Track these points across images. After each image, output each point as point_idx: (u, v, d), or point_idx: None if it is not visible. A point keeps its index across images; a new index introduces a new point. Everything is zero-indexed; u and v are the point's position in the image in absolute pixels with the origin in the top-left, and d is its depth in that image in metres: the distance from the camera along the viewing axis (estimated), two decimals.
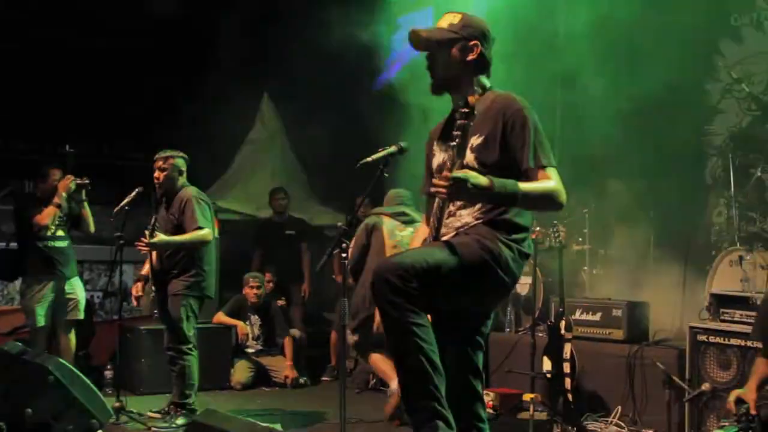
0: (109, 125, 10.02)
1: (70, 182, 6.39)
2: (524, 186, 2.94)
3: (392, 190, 6.17)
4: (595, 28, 6.88)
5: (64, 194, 6.39)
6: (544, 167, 3.02)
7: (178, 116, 9.56)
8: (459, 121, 2.88)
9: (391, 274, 2.83)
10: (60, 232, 6.53)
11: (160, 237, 5.55)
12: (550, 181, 3.00)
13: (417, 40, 3.22)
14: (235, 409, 5.95)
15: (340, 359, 3.92)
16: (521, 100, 3.13)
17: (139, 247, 5.51)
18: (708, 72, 6.94)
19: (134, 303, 6.10)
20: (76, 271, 6.87)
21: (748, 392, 2.55)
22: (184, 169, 5.87)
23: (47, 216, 6.37)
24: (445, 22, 3.23)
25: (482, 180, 2.83)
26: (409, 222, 5.89)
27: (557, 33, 7.53)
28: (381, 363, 5.81)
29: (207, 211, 5.77)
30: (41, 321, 6.42)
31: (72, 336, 6.65)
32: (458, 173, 2.79)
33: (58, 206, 6.39)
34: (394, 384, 5.41)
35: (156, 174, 5.79)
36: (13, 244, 7.04)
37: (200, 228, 5.64)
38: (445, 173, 2.80)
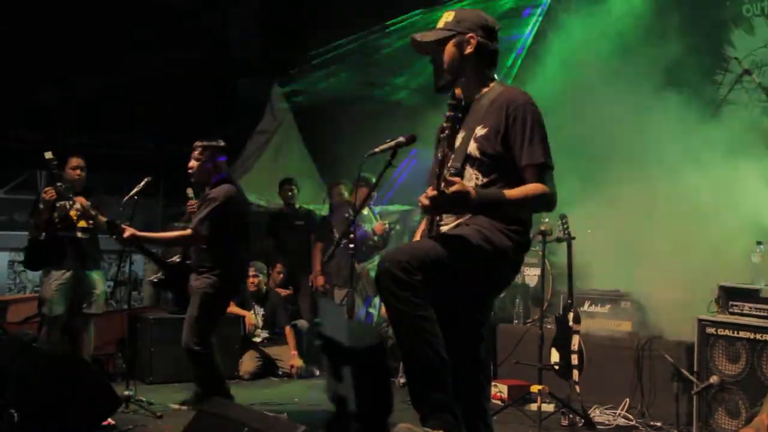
0: (117, 115, 10.04)
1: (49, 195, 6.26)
2: (511, 194, 2.98)
3: None
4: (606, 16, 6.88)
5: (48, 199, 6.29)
6: (538, 167, 3.03)
7: (186, 106, 9.58)
8: (448, 114, 2.95)
9: (396, 267, 2.84)
10: (82, 224, 6.39)
11: (131, 231, 5.34)
12: (539, 185, 3.02)
13: (416, 46, 3.26)
14: (243, 398, 5.96)
15: None
16: (527, 95, 3.14)
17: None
18: (718, 63, 6.89)
19: None
20: (99, 264, 6.84)
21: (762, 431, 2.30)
22: (220, 159, 5.55)
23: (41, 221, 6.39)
24: (441, 21, 3.27)
25: (464, 191, 2.86)
26: None
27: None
28: None
29: (218, 214, 5.35)
30: (56, 311, 6.39)
31: (91, 330, 6.62)
32: (432, 194, 2.84)
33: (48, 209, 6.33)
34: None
35: (190, 163, 5.54)
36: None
37: (189, 229, 5.39)
38: (428, 191, 2.85)
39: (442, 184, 2.84)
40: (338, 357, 2.82)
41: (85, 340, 6.54)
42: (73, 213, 6.29)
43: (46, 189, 6.26)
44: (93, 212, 6.09)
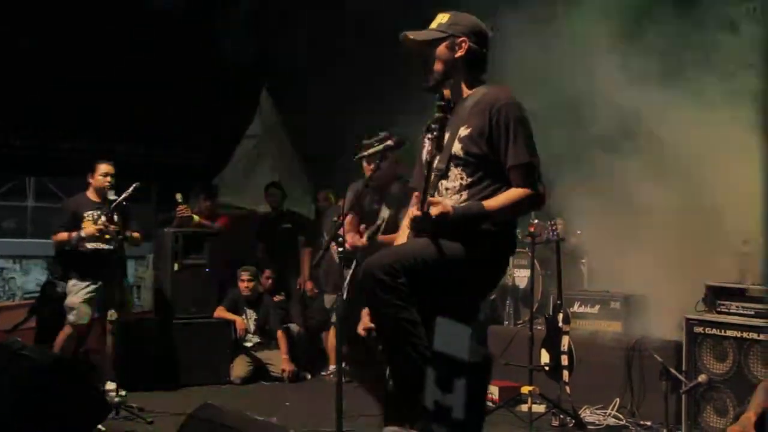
0: (113, 119, 10.00)
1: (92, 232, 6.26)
2: (491, 204, 3.02)
3: None
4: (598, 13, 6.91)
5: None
6: (523, 167, 3.06)
7: (177, 111, 9.56)
8: (436, 115, 3.02)
9: (380, 271, 2.86)
10: (106, 236, 6.31)
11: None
12: (519, 190, 3.05)
13: (407, 43, 3.27)
14: (234, 403, 5.96)
15: (339, 351, 3.96)
16: (510, 94, 3.16)
17: None
18: (703, 63, 6.92)
19: None
20: (125, 274, 6.86)
21: (748, 428, 2.33)
22: (395, 159, 4.99)
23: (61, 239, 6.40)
24: (435, 22, 3.29)
25: (444, 209, 2.95)
26: None
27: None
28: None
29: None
30: (83, 319, 6.42)
31: (114, 335, 6.61)
32: (417, 214, 2.96)
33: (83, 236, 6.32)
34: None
35: (368, 174, 5.03)
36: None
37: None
38: (412, 212, 2.96)
39: (426, 205, 2.93)
40: (446, 369, 2.93)
41: (110, 346, 6.46)
42: (97, 227, 6.27)
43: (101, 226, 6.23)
44: (116, 228, 6.14)
